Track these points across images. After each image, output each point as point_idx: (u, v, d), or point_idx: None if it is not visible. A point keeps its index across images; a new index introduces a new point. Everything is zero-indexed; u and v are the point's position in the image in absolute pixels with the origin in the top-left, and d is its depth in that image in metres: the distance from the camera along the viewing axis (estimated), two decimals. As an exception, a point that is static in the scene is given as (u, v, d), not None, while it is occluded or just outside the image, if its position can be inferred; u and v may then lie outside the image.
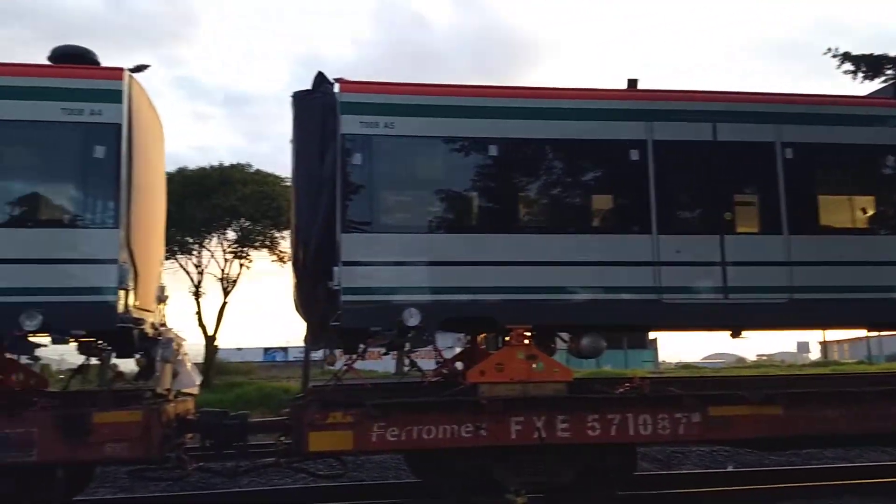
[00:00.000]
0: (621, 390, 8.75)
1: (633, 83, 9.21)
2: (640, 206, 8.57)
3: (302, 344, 9.49)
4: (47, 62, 8.16)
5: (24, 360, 8.18)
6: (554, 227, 8.60)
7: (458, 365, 9.24)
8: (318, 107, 8.28)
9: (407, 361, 8.81)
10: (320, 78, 8.40)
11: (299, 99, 8.39)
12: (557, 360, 8.51)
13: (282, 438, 8.50)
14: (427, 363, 9.28)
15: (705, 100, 9.05)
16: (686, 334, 10.32)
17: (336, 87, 8.35)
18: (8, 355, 7.96)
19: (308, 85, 8.44)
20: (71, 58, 8.15)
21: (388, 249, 8.09)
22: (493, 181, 8.55)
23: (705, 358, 77.78)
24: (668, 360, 61.81)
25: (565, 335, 8.96)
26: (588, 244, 8.48)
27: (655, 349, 56.19)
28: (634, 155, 8.64)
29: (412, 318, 7.83)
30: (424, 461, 8.64)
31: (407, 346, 8.15)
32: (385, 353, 9.65)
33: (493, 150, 8.46)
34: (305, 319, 8.56)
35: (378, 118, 8.21)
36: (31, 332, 7.23)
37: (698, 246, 8.62)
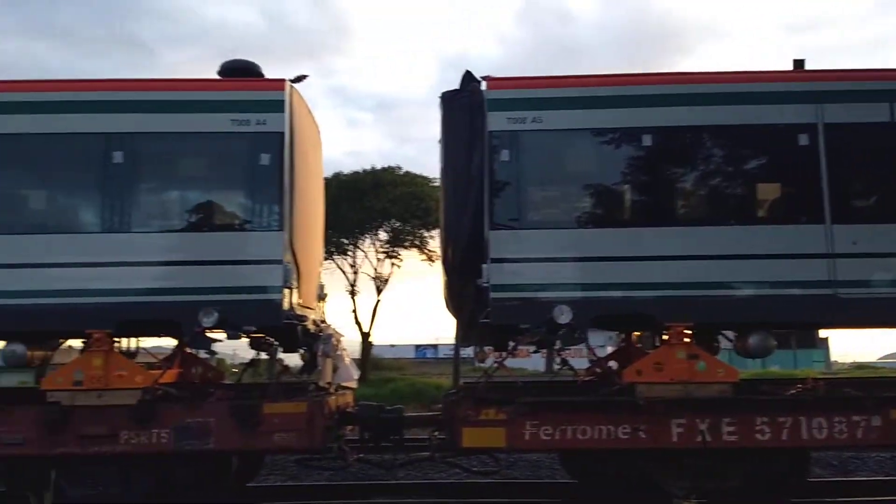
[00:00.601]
0: (793, 392, 8.17)
1: (799, 64, 8.56)
2: (811, 193, 7.95)
3: (452, 341, 9.60)
4: (217, 76, 8.74)
5: (202, 354, 8.84)
6: (715, 218, 8.15)
7: (612, 364, 8.99)
8: (465, 106, 8.33)
9: (558, 360, 8.67)
10: (468, 77, 8.45)
11: (447, 99, 8.48)
12: (721, 360, 8.07)
13: (435, 433, 8.65)
14: (579, 362, 9.11)
15: (881, 79, 8.24)
16: (862, 332, 9.45)
17: (483, 85, 8.37)
18: (188, 350, 8.63)
19: (454, 85, 8.52)
20: (238, 71, 8.67)
21: (537, 246, 7.99)
22: (647, 172, 8.23)
23: (883, 357, 71.13)
24: (840, 360, 57.15)
25: (730, 333, 8.47)
26: (752, 236, 7.96)
27: (827, 348, 52.11)
28: (803, 139, 8.04)
29: (563, 316, 7.70)
30: (579, 462, 8.48)
31: (557, 344, 8.03)
32: (535, 351, 9.54)
33: (646, 140, 8.16)
34: (455, 317, 8.64)
35: (526, 113, 8.14)
36: (208, 328, 7.79)
37: (878, 236, 7.88)
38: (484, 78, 8.40)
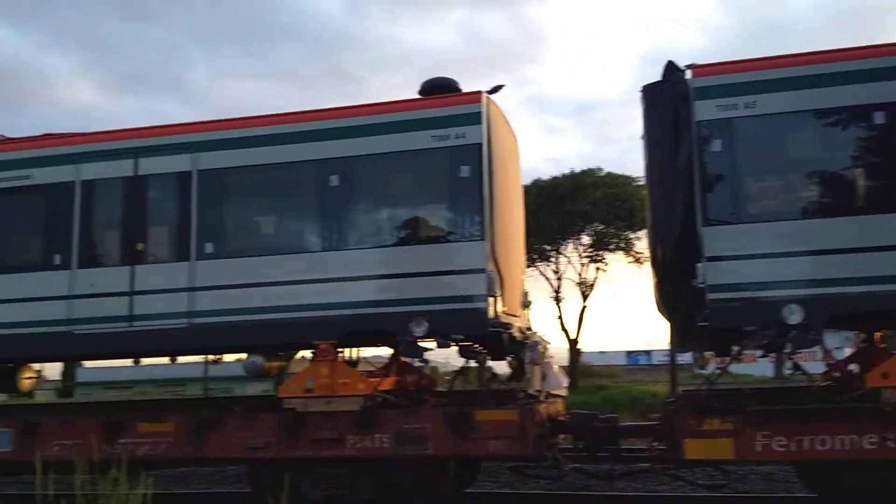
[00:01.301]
0: None
1: None
2: None
3: (667, 346, 9.17)
4: (417, 96, 9.06)
5: (416, 362, 9.17)
6: None
7: (853, 367, 8.06)
8: (668, 97, 7.94)
9: (789, 364, 7.93)
10: (670, 67, 8.05)
11: (649, 91, 8.13)
12: None
13: (655, 444, 8.26)
14: (813, 366, 8.26)
15: None
16: None
17: (688, 74, 7.92)
18: (402, 359, 8.99)
19: (655, 79, 8.16)
20: (437, 88, 8.91)
21: (757, 240, 7.40)
22: (883, 153, 7.31)
23: None
24: None
25: None
26: None
27: None
28: None
29: (794, 316, 7.03)
30: (819, 475, 7.67)
31: (788, 347, 7.34)
32: (762, 356, 8.80)
33: (879, 118, 7.25)
34: (669, 320, 8.24)
35: (737, 99, 7.58)
36: (419, 337, 8.06)
37: None
38: (688, 66, 7.94)
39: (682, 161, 7.71)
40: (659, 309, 8.32)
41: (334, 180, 8.60)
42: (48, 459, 6.04)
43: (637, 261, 28.13)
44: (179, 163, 9.06)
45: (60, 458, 7.83)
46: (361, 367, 9.36)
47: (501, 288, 8.35)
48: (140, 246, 9.04)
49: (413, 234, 8.59)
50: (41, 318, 8.96)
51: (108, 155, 9.23)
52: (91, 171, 9.23)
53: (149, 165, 9.14)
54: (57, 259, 9.06)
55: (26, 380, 10.50)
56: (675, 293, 7.94)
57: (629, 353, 64.29)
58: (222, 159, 9.00)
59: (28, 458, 8.52)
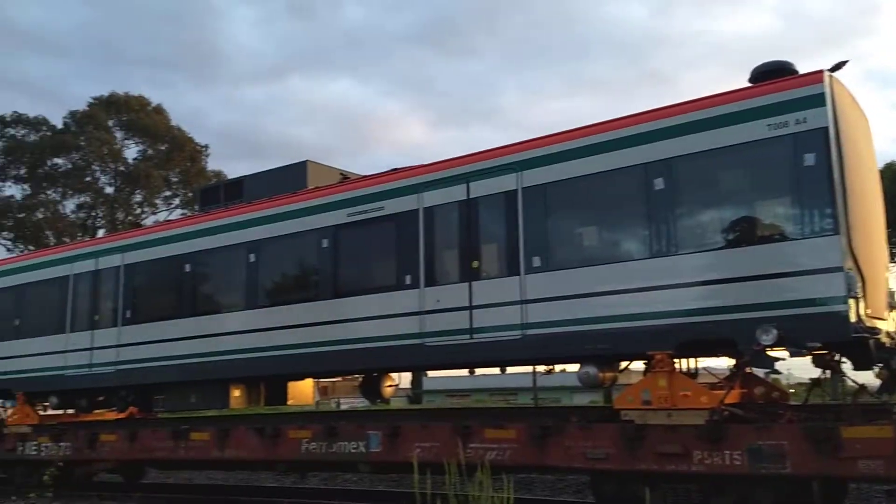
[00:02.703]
0: None
1: None
2: None
3: None
4: (748, 84, 8.40)
5: (763, 373, 8.46)
6: None
7: None
8: None
9: None
10: None
11: None
12: None
13: None
14: None
15: None
16: None
17: None
18: (749, 370, 8.34)
19: None
20: (770, 74, 8.21)
21: None
22: None
23: None
24: None
25: None
26: None
27: None
28: None
29: None
30: None
31: None
32: None
33: None
34: None
35: None
36: (767, 346, 7.41)
37: None
38: None
39: None
40: None
41: (659, 183, 8.34)
42: (410, 460, 6.70)
43: None
44: (505, 183, 9.51)
45: (421, 458, 8.62)
46: (701, 379, 8.89)
47: (863, 288, 7.38)
48: (475, 263, 9.65)
49: (753, 233, 7.94)
50: (399, 332, 10.02)
51: (444, 182, 10.03)
52: (430, 198, 10.11)
53: (478, 188, 9.75)
54: (408, 279, 10.07)
55: (388, 388, 11.87)
56: None
57: None
58: (544, 175, 9.24)
59: (393, 458, 9.63)
